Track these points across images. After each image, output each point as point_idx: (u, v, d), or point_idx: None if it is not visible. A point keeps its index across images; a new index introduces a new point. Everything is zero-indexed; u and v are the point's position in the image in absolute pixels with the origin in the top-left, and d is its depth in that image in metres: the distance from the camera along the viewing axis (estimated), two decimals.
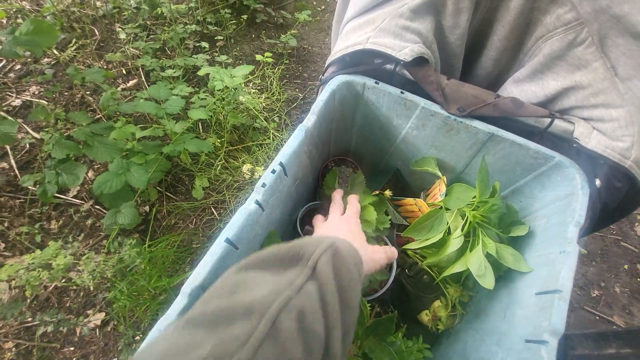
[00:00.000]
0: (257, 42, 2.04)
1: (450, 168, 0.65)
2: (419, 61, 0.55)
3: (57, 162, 1.18)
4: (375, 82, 0.58)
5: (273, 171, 0.49)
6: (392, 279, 0.62)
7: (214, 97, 1.47)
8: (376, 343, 0.39)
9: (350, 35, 0.59)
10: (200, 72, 1.41)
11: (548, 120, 0.54)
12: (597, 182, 0.50)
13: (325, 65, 0.63)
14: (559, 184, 0.54)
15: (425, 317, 0.62)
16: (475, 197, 0.55)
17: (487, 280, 0.49)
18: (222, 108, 1.52)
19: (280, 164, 0.50)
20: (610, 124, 0.49)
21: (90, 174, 1.49)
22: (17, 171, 1.43)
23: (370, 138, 0.70)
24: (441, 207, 0.56)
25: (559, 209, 0.53)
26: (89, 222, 1.37)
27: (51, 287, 1.23)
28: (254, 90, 1.77)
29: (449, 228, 0.56)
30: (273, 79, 1.86)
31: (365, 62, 0.58)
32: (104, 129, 1.24)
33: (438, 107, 0.56)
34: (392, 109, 0.61)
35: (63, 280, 1.19)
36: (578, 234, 0.47)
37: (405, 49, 0.54)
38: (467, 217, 0.53)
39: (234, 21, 1.99)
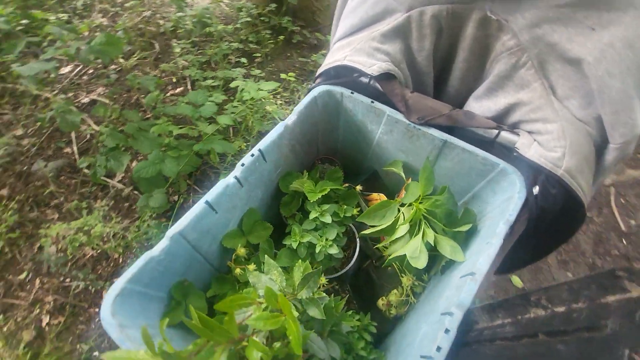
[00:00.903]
0: (291, 59, 2.24)
1: (417, 170, 0.72)
2: (387, 76, 0.65)
3: (108, 150, 1.40)
4: (351, 92, 0.69)
5: (252, 155, 0.61)
6: (353, 260, 0.70)
7: (244, 106, 1.65)
8: (307, 295, 0.48)
9: (335, 53, 0.71)
10: (232, 85, 1.60)
11: (496, 131, 0.61)
12: (536, 188, 0.56)
13: (315, 76, 0.75)
14: (506, 189, 0.60)
15: (381, 302, 0.69)
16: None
17: (419, 261, 0.56)
18: (250, 115, 1.69)
19: (259, 150, 0.62)
20: (546, 136, 0.55)
21: (134, 164, 1.72)
22: (77, 156, 1.70)
23: (352, 141, 0.80)
24: (394, 200, 0.64)
25: (501, 210, 0.58)
26: (127, 204, 1.59)
27: (88, 256, 1.44)
28: (280, 102, 1.94)
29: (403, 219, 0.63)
30: (301, 93, 2.02)
31: (345, 75, 0.69)
32: (149, 126, 1.45)
33: (401, 116, 0.65)
34: (366, 116, 0.71)
35: (98, 250, 1.40)
36: (506, 231, 0.53)
37: (374, 66, 0.64)
38: (414, 209, 0.61)
39: (272, 41, 2.21)
